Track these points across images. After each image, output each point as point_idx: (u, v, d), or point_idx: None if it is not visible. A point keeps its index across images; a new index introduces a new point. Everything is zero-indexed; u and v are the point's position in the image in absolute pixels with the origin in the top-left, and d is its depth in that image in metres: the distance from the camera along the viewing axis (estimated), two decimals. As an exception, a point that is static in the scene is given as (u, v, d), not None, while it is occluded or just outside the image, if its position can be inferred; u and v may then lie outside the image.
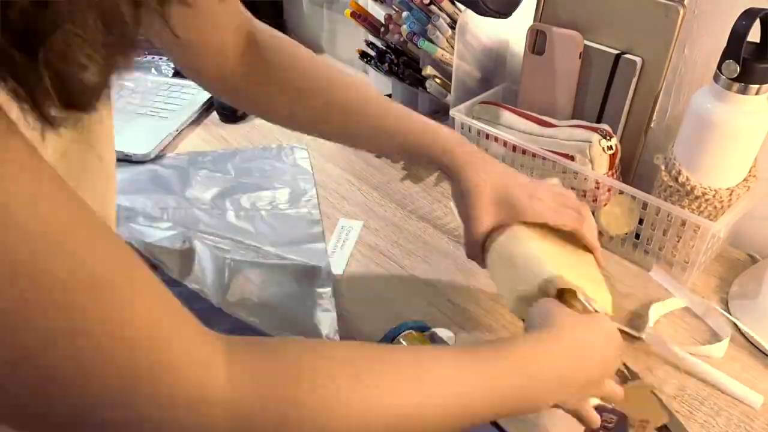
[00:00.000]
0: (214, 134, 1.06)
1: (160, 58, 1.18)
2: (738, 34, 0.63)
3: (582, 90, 0.85)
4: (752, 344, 0.68)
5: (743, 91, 0.65)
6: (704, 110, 0.68)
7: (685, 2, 0.73)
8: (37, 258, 0.26)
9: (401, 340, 0.59)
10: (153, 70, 1.18)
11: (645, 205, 0.75)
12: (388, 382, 0.39)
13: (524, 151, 0.84)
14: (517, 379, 0.45)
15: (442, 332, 0.62)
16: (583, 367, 0.49)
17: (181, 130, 1.05)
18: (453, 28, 0.88)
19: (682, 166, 0.72)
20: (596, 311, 0.52)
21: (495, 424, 0.58)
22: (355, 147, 0.80)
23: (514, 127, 0.85)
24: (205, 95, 1.12)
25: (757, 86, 0.65)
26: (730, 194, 0.72)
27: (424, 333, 0.61)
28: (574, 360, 0.49)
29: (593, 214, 0.80)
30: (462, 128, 0.91)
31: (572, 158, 0.79)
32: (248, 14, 0.61)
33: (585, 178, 0.79)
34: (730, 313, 0.71)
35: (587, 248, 0.62)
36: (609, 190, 0.79)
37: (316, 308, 0.69)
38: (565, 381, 0.48)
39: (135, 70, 1.16)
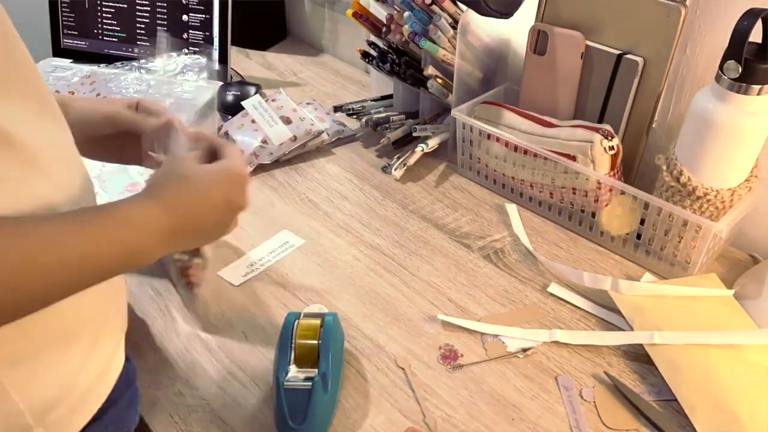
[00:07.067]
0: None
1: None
2: (740, 35, 0.63)
3: (583, 90, 0.85)
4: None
5: (745, 92, 0.65)
6: (706, 110, 0.68)
7: (687, 2, 0.73)
8: None
9: (297, 329, 0.61)
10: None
11: (646, 206, 0.75)
12: None
13: (525, 151, 0.84)
14: (121, 236, 0.47)
15: (312, 307, 0.68)
16: (196, 214, 0.53)
17: (183, 130, 1.05)
18: (455, 28, 0.88)
19: (683, 166, 0.72)
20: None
21: None
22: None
23: (515, 127, 0.85)
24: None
25: (758, 87, 0.65)
26: (732, 194, 0.72)
27: (302, 318, 0.63)
28: (183, 209, 0.52)
29: (595, 214, 0.81)
30: (464, 128, 0.91)
31: (574, 158, 0.79)
32: None
33: (586, 179, 0.79)
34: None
35: None
36: (610, 190, 0.79)
37: None
38: (176, 231, 0.51)
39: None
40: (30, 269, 0.40)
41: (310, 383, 0.57)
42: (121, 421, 0.56)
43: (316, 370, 0.59)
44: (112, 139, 0.68)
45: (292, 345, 0.60)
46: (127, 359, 0.57)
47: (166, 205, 0.51)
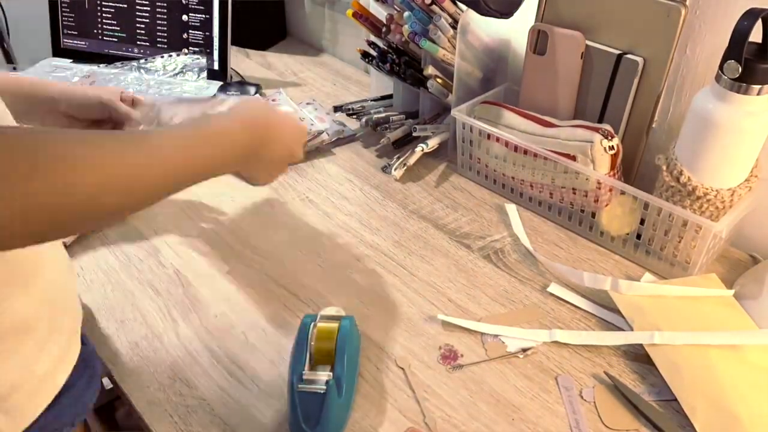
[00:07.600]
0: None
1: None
2: (740, 35, 0.63)
3: (583, 90, 0.85)
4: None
5: (745, 92, 0.65)
6: (706, 110, 0.68)
7: (687, 2, 0.73)
8: None
9: (313, 330, 0.61)
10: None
11: (646, 206, 0.75)
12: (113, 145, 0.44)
13: (525, 151, 0.84)
14: (213, 153, 0.54)
15: (329, 309, 0.66)
16: (264, 144, 0.60)
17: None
18: (454, 28, 0.88)
19: (683, 166, 0.72)
20: None
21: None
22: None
23: (515, 127, 0.85)
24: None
25: (758, 86, 0.65)
26: (732, 194, 0.72)
27: (319, 321, 0.62)
28: (258, 136, 0.59)
29: (595, 214, 0.81)
30: (464, 128, 0.91)
31: (574, 158, 0.79)
32: None
33: (586, 179, 0.79)
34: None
35: None
36: (610, 190, 0.79)
37: None
38: (248, 154, 0.58)
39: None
40: (143, 175, 0.45)
41: (325, 387, 0.57)
42: (79, 401, 0.58)
43: (332, 373, 0.58)
44: (99, 124, 0.74)
45: (308, 348, 0.60)
46: (83, 342, 0.61)
47: (246, 127, 0.58)
